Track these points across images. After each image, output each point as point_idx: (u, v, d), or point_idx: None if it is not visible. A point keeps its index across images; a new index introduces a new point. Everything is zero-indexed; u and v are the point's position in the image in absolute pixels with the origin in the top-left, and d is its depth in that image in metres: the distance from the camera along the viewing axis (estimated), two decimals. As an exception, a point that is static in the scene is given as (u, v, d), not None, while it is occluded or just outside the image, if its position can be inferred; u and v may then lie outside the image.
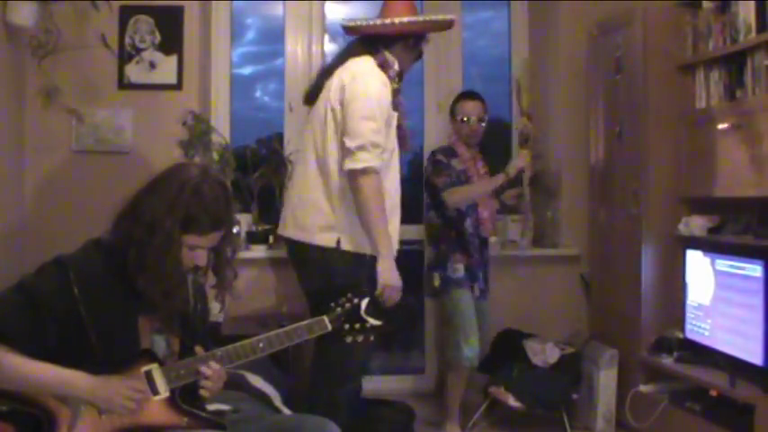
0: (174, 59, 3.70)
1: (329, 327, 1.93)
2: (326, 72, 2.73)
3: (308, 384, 2.81)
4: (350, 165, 2.52)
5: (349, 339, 1.94)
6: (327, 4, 4.15)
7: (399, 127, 2.72)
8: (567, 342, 3.64)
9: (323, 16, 4.15)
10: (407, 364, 4.43)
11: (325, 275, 2.64)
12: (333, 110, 2.61)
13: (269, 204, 4.00)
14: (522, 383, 3.38)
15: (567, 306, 3.99)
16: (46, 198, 3.59)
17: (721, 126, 3.11)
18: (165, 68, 3.69)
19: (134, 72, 3.68)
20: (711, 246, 3.20)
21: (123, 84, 3.67)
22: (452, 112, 3.49)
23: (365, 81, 2.58)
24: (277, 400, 2.84)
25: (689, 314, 3.28)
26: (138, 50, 3.67)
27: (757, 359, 2.82)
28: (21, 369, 1.67)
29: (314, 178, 2.67)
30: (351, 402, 2.72)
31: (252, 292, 3.81)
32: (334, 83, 2.64)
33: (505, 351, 3.56)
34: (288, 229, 2.76)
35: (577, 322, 3.92)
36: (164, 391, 1.77)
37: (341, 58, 2.72)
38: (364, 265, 2.64)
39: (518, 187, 3.65)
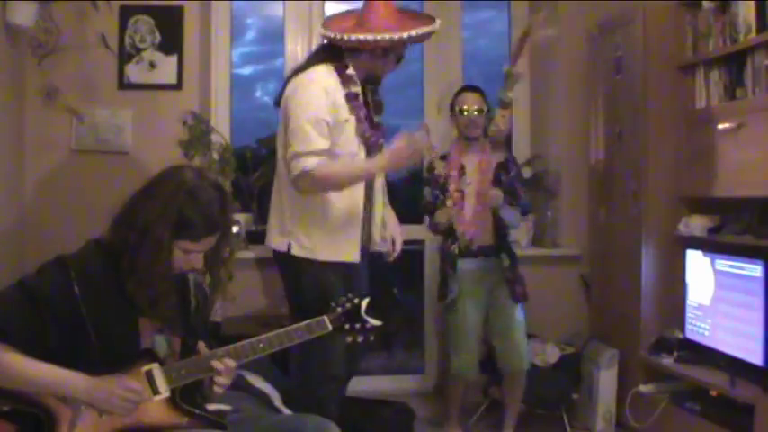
0: (174, 59, 3.70)
1: (329, 327, 1.93)
2: (288, 78, 2.77)
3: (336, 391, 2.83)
4: (291, 174, 2.63)
5: (349, 339, 1.95)
6: (327, 4, 4.15)
7: (364, 134, 2.74)
8: (567, 342, 3.64)
9: (323, 16, 4.15)
10: (407, 364, 4.43)
11: (283, 278, 2.81)
12: (284, 116, 2.70)
13: (269, 204, 4.00)
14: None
15: (567, 306, 3.99)
16: (46, 198, 3.59)
17: (721, 126, 3.11)
18: (165, 68, 3.69)
19: (134, 72, 3.68)
20: (711, 246, 3.20)
21: (123, 84, 3.67)
22: (452, 107, 3.39)
23: (303, 90, 2.64)
24: (277, 400, 2.84)
25: (689, 314, 3.28)
26: (138, 50, 3.67)
27: (757, 359, 2.82)
28: (19, 368, 1.67)
29: (275, 183, 2.82)
30: (335, 399, 2.72)
31: (252, 292, 3.82)
32: (288, 90, 2.72)
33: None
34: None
35: (577, 322, 3.92)
36: (164, 391, 1.77)
37: (304, 65, 2.78)
38: (313, 271, 2.68)
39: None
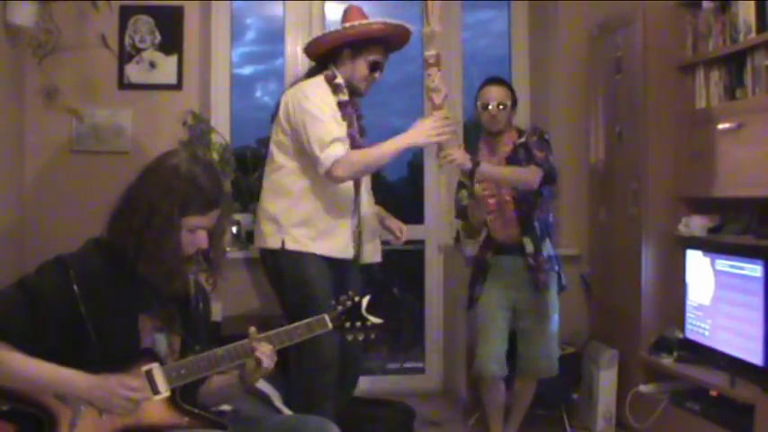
0: (174, 59, 3.70)
1: (329, 325, 1.93)
2: (284, 92, 2.91)
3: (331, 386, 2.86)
4: (322, 169, 2.69)
5: (350, 337, 1.95)
6: (327, 4, 4.15)
7: (354, 142, 2.81)
8: (567, 342, 3.64)
9: (323, 16, 4.14)
10: (407, 364, 4.43)
11: (276, 277, 2.87)
12: (279, 124, 2.82)
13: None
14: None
15: (566, 306, 3.98)
16: (46, 198, 3.59)
17: (721, 126, 3.11)
18: (165, 68, 3.69)
19: (134, 72, 3.68)
20: (711, 246, 3.20)
21: (123, 84, 3.67)
22: (475, 102, 3.21)
23: (309, 91, 2.78)
24: (277, 399, 2.85)
25: (689, 314, 3.28)
26: (138, 50, 3.67)
27: (757, 359, 2.82)
28: (19, 367, 1.67)
29: (264, 187, 2.92)
30: (329, 390, 2.75)
31: (252, 292, 3.81)
32: (282, 101, 2.84)
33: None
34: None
35: (577, 322, 3.92)
36: (164, 391, 1.76)
37: (295, 81, 2.95)
38: (311, 263, 2.78)
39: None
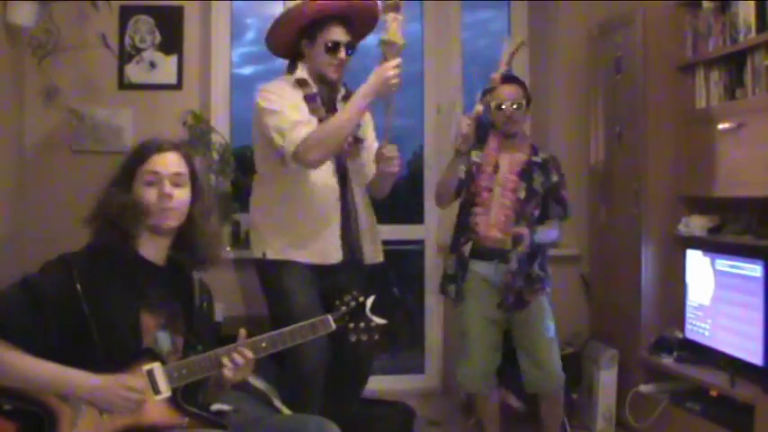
0: (174, 59, 3.70)
1: (333, 326, 1.92)
2: None
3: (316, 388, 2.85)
4: (288, 159, 2.62)
5: (354, 338, 1.94)
6: (327, 3, 4.13)
7: None
8: (567, 342, 3.64)
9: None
10: (407, 364, 4.43)
11: (262, 287, 2.89)
12: (255, 122, 2.82)
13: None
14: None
15: (567, 306, 3.98)
16: (46, 198, 3.59)
17: (721, 126, 3.11)
18: (165, 68, 3.69)
19: (134, 72, 3.68)
20: (711, 246, 3.21)
21: (123, 84, 3.67)
22: (481, 99, 3.05)
23: (260, 92, 2.75)
24: (277, 400, 2.84)
25: (689, 314, 3.28)
26: (138, 50, 3.67)
27: (757, 359, 2.82)
28: (21, 367, 1.67)
29: (252, 195, 2.95)
30: (313, 406, 2.71)
31: (252, 292, 3.81)
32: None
33: (506, 351, 3.55)
34: None
35: (577, 322, 3.92)
36: (165, 391, 1.77)
37: None
38: (293, 273, 2.74)
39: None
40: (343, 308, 1.94)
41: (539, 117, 4.11)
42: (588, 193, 3.93)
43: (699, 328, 3.21)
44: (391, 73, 2.53)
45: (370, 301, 1.95)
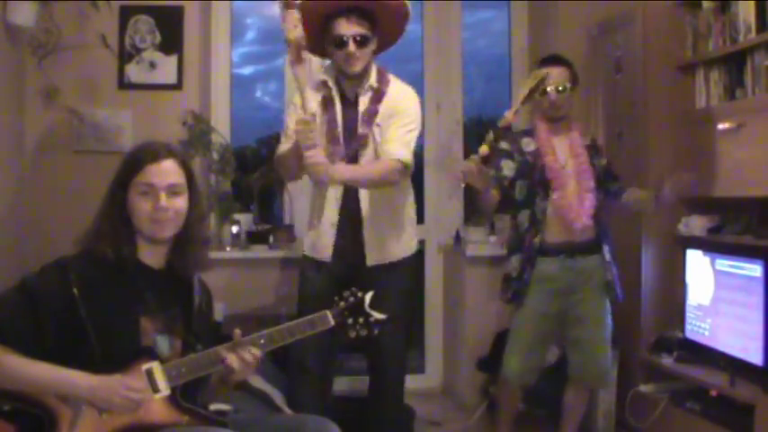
0: (174, 59, 3.70)
1: (332, 322, 1.92)
2: None
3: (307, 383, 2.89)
4: None
5: (353, 334, 1.93)
6: (327, 3, 4.14)
7: (332, 131, 2.79)
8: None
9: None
10: (407, 364, 4.42)
11: None
12: None
13: (269, 204, 4.01)
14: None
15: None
16: (46, 198, 3.59)
17: (721, 126, 3.11)
18: (165, 68, 3.70)
19: (134, 72, 3.68)
20: (711, 246, 3.20)
21: (123, 84, 3.68)
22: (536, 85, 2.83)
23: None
24: (278, 399, 2.84)
25: (689, 314, 3.28)
26: (138, 50, 3.68)
27: (757, 359, 2.82)
28: (20, 369, 1.67)
29: None
30: (306, 399, 2.82)
31: (252, 292, 3.81)
32: None
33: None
34: None
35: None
36: (164, 389, 1.76)
37: None
38: (308, 266, 2.88)
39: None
40: (342, 303, 1.94)
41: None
42: (588, 193, 3.92)
43: (699, 328, 3.21)
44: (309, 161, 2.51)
45: (368, 296, 1.94)
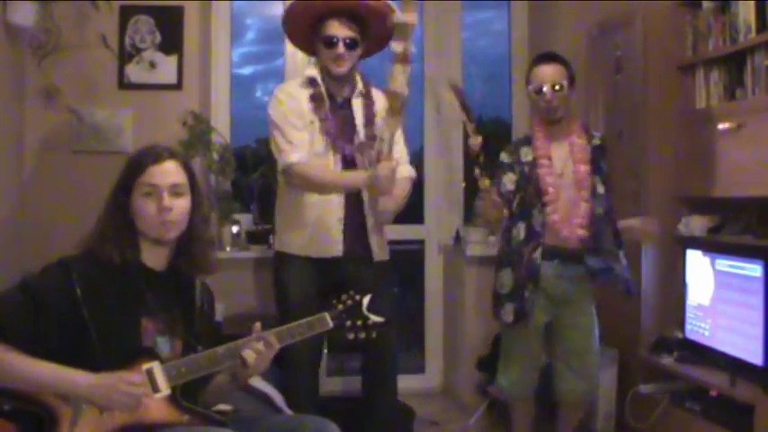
0: (174, 59, 3.70)
1: (330, 324, 1.92)
2: None
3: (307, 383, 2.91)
4: (279, 170, 2.77)
5: (351, 336, 1.94)
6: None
7: (329, 131, 2.79)
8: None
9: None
10: (407, 364, 4.43)
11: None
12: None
13: (269, 204, 4.00)
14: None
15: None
16: (46, 198, 3.59)
17: (721, 126, 3.11)
18: (165, 68, 3.70)
19: (134, 72, 3.68)
20: (711, 246, 3.20)
21: (123, 84, 3.68)
22: (527, 84, 2.84)
23: (272, 95, 2.85)
24: (278, 400, 2.84)
25: (689, 314, 3.28)
26: (139, 50, 3.68)
27: (757, 359, 2.82)
28: (20, 367, 1.67)
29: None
30: (302, 395, 2.85)
31: (252, 292, 3.82)
32: None
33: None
34: None
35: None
36: (165, 389, 1.77)
37: None
38: (285, 263, 2.85)
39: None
40: (340, 305, 1.94)
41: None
42: (588, 193, 3.93)
43: (699, 327, 3.21)
44: (388, 179, 2.56)
45: (366, 299, 1.95)
